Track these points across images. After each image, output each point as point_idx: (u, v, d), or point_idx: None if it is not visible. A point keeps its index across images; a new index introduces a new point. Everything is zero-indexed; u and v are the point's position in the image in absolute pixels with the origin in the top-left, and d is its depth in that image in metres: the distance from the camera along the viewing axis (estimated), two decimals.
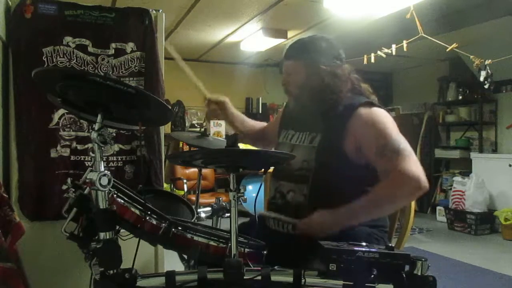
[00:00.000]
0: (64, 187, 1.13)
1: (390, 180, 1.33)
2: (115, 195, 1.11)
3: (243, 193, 1.12)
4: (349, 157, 1.41)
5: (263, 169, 1.25)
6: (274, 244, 1.27)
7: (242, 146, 1.42)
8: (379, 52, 3.73)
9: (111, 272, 1.05)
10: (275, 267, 1.08)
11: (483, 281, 3.28)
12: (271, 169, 1.64)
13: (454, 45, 3.38)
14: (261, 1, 3.95)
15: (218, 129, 5.69)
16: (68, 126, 1.79)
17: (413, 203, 1.59)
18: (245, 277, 1.02)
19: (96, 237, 1.08)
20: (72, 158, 1.79)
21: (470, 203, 4.90)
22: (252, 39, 5.10)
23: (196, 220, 1.46)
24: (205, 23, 4.63)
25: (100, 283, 1.05)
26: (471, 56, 3.60)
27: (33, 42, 1.73)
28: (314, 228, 1.32)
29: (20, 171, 1.70)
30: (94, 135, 1.10)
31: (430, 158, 6.13)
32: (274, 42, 5.09)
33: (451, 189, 5.36)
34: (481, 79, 3.67)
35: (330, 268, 1.01)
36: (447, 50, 3.45)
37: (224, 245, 1.14)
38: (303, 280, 1.05)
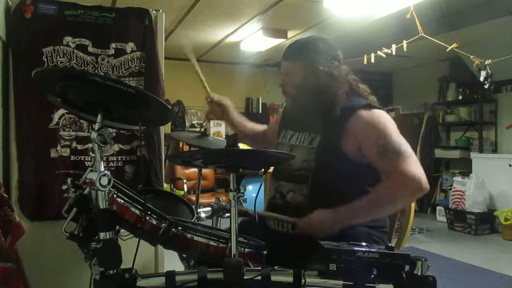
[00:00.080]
0: (64, 187, 1.13)
1: (391, 181, 1.33)
2: (115, 195, 1.11)
3: (243, 193, 1.12)
4: (349, 157, 1.41)
5: (263, 169, 1.25)
6: (274, 244, 1.27)
7: (242, 146, 1.42)
8: (379, 52, 3.73)
9: (111, 272, 1.05)
10: (275, 267, 1.08)
11: (483, 281, 3.28)
12: (271, 169, 1.64)
13: (454, 45, 3.38)
14: (261, 1, 3.95)
15: (218, 129, 5.70)
16: (68, 126, 1.79)
17: (413, 203, 1.59)
18: (245, 277, 1.02)
19: (96, 237, 1.08)
20: (72, 158, 1.79)
21: (470, 203, 4.90)
22: (252, 39, 5.10)
23: (196, 220, 1.46)
24: (205, 23, 4.63)
25: (100, 283, 1.05)
26: (471, 56, 3.60)
27: (33, 42, 1.73)
28: (313, 227, 1.33)
29: (20, 171, 1.70)
30: (94, 135, 1.10)
31: (430, 158, 6.13)
32: (274, 42, 5.08)
33: (451, 189, 5.36)
34: (481, 79, 3.67)
35: (330, 268, 1.01)
36: (447, 50, 3.45)
37: (224, 245, 1.15)
38: (303, 280, 1.05)
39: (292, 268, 1.08)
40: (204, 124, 2.32)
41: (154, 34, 1.92)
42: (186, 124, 6.04)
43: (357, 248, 1.02)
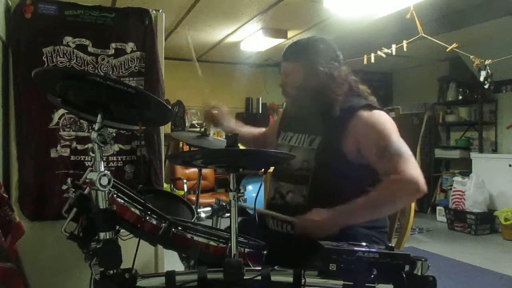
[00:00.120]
0: (64, 187, 1.13)
1: (389, 182, 1.33)
2: (115, 195, 1.11)
3: (243, 193, 1.12)
4: (349, 158, 1.41)
5: (263, 169, 1.25)
6: (274, 244, 1.27)
7: (241, 146, 1.42)
8: (379, 52, 3.72)
9: (111, 272, 1.05)
10: (275, 267, 1.08)
11: (483, 281, 3.28)
12: (271, 169, 1.64)
13: (454, 45, 3.38)
14: (261, 1, 3.95)
15: (218, 129, 5.69)
16: (68, 126, 1.79)
17: (413, 203, 1.59)
18: (245, 277, 1.03)
19: (96, 237, 1.08)
20: (72, 158, 1.79)
21: (470, 203, 4.90)
22: (252, 39, 5.10)
23: (196, 220, 1.46)
24: (205, 23, 4.63)
25: (100, 283, 1.05)
26: (471, 56, 3.60)
27: (33, 42, 1.73)
28: (310, 226, 1.32)
29: (20, 171, 1.70)
30: (94, 135, 1.10)
31: (430, 158, 6.13)
32: (274, 42, 5.08)
33: (451, 189, 5.36)
34: (481, 79, 3.67)
35: (330, 268, 1.01)
36: (447, 50, 3.45)
37: (224, 245, 1.15)
38: (303, 280, 1.05)
39: (292, 268, 1.08)
40: (204, 124, 2.31)
41: (154, 34, 1.92)
42: (186, 124, 6.04)
43: (357, 248, 1.02)
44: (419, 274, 1.02)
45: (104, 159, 1.68)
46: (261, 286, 1.05)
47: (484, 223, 4.83)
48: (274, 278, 1.05)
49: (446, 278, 3.20)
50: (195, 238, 1.15)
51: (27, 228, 1.35)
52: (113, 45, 1.86)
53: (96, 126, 1.11)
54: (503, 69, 4.19)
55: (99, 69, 1.84)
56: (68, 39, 1.78)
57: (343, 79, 1.51)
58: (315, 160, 1.45)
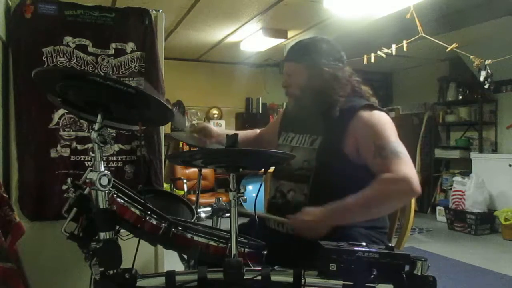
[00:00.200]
0: (64, 187, 1.13)
1: (381, 179, 1.31)
2: (115, 195, 1.11)
3: (243, 193, 1.12)
4: (350, 158, 1.41)
5: (263, 169, 1.25)
6: (274, 244, 1.27)
7: None
8: (379, 52, 3.73)
9: (111, 272, 1.05)
10: (275, 267, 1.08)
11: (483, 281, 3.28)
12: (271, 169, 1.63)
13: (454, 45, 3.38)
14: (261, 1, 3.95)
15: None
16: (68, 126, 1.79)
17: (413, 203, 1.59)
18: (245, 277, 1.02)
19: (96, 237, 1.08)
20: (72, 158, 1.79)
21: (470, 203, 4.90)
22: (252, 39, 5.10)
23: (196, 220, 1.46)
24: (205, 23, 4.63)
25: (100, 283, 1.05)
26: (471, 56, 3.60)
27: (33, 42, 1.73)
28: (303, 226, 1.31)
29: (20, 171, 1.70)
30: (94, 135, 1.10)
31: (430, 158, 6.13)
32: (274, 42, 5.09)
33: (451, 189, 5.36)
34: (481, 79, 3.67)
35: (330, 268, 1.01)
36: (447, 50, 3.45)
37: (224, 245, 1.14)
38: (303, 280, 1.05)
39: (292, 268, 1.07)
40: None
41: (154, 34, 1.92)
42: (186, 124, 6.04)
43: (357, 248, 1.02)
44: (419, 274, 1.02)
45: (104, 159, 1.68)
46: (261, 286, 1.04)
47: (484, 223, 4.83)
48: (274, 278, 1.05)
49: (446, 278, 3.20)
50: (195, 238, 1.15)
51: (27, 228, 1.35)
52: (113, 45, 1.86)
53: (96, 126, 1.11)
54: (503, 69, 4.19)
55: (99, 69, 1.84)
56: (68, 39, 1.78)
57: (346, 80, 1.50)
58: (316, 160, 1.44)
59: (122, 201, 1.12)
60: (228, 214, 1.10)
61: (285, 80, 1.56)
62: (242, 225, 1.44)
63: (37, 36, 1.73)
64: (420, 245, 4.28)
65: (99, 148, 1.11)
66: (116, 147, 1.86)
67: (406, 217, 1.59)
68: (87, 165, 1.79)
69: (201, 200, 3.88)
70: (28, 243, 1.41)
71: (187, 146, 2.14)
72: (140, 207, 1.14)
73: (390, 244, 1.06)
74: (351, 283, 1.01)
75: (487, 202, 4.95)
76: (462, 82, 5.83)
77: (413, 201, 1.58)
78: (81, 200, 1.10)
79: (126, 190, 1.16)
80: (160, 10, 1.97)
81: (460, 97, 5.88)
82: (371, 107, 1.45)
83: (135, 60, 1.89)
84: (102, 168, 1.09)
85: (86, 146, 1.80)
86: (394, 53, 3.66)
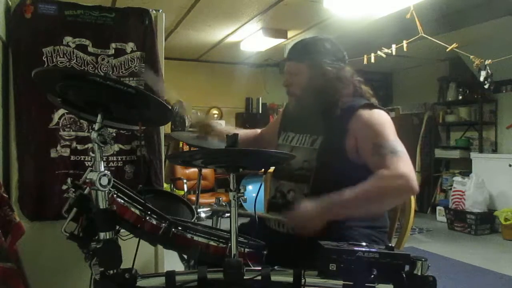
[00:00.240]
0: (64, 187, 1.13)
1: (379, 175, 1.31)
2: (115, 195, 1.11)
3: (243, 193, 1.12)
4: (350, 158, 1.41)
5: (263, 169, 1.25)
6: (274, 244, 1.26)
7: None
8: (379, 52, 3.73)
9: (111, 272, 1.05)
10: (275, 267, 1.08)
11: (483, 281, 3.28)
12: (271, 169, 1.63)
13: (454, 45, 3.38)
14: (261, 1, 3.96)
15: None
16: (68, 126, 1.79)
17: (413, 203, 1.59)
18: (245, 277, 1.02)
19: (96, 237, 1.08)
20: (72, 158, 1.79)
21: (470, 203, 4.90)
22: (252, 39, 5.10)
23: (196, 220, 1.46)
24: (205, 23, 4.63)
25: (100, 283, 1.05)
26: (471, 56, 3.60)
27: (33, 42, 1.73)
28: (300, 221, 1.30)
29: (20, 171, 1.70)
30: (94, 135, 1.10)
31: (430, 158, 6.13)
32: (274, 42, 5.09)
33: (451, 189, 5.36)
34: (481, 79, 3.67)
35: (330, 268, 1.01)
36: (447, 50, 3.45)
37: (224, 245, 1.14)
38: (303, 280, 1.05)
39: (292, 268, 1.07)
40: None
41: (154, 34, 1.92)
42: (186, 124, 6.04)
43: (357, 248, 1.02)
44: (419, 274, 1.02)
45: (104, 159, 1.67)
46: (261, 286, 1.04)
47: (484, 223, 4.83)
48: (274, 278, 1.05)
49: (446, 278, 3.20)
50: (195, 238, 1.15)
51: (27, 228, 1.35)
52: (113, 45, 1.86)
53: (96, 126, 1.11)
54: (503, 69, 4.19)
55: (99, 69, 1.84)
56: (68, 39, 1.78)
57: (348, 80, 1.50)
58: (316, 160, 1.44)
59: (122, 201, 1.12)
60: (228, 214, 1.10)
61: (286, 79, 1.55)
62: (242, 225, 1.44)
63: (37, 36, 1.73)
64: (420, 245, 4.28)
65: (99, 148, 1.11)
66: (116, 147, 1.86)
67: (406, 217, 1.59)
68: (87, 165, 1.79)
69: (201, 200, 3.88)
70: (28, 243, 1.41)
71: (187, 146, 2.14)
72: (140, 207, 1.14)
73: (390, 244, 1.06)
74: (351, 283, 1.01)
75: (487, 202, 4.95)
76: (462, 82, 5.83)
77: (413, 201, 1.58)
78: (81, 200, 1.10)
79: (126, 190, 1.16)
80: (160, 10, 1.97)
81: (460, 97, 5.88)
82: (371, 106, 1.44)
83: (135, 60, 1.89)
84: (102, 168, 1.09)
85: (86, 146, 1.80)
86: (394, 53, 3.66)
